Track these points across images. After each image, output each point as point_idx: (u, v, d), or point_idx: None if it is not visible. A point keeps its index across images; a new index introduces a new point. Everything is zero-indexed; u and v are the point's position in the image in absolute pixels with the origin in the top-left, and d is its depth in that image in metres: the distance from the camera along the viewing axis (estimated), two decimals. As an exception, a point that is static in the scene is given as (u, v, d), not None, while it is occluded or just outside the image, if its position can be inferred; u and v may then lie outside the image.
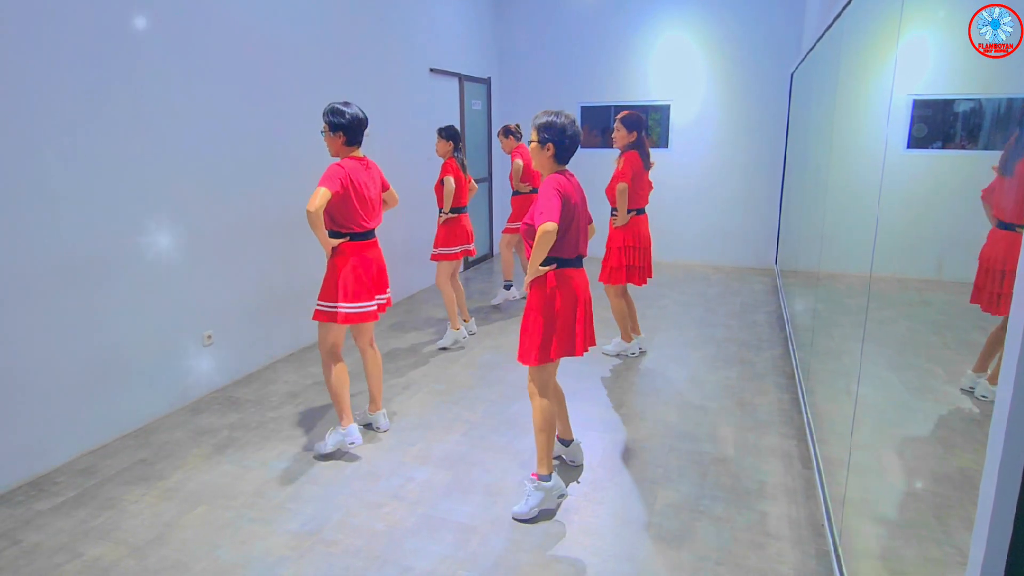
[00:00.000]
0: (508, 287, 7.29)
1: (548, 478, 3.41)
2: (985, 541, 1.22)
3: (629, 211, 5.16)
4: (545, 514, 3.37)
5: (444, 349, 5.80)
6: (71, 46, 3.69)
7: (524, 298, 7.23)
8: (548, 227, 3.12)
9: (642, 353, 5.63)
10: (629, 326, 5.54)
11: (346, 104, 3.75)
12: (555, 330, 3.37)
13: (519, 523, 3.27)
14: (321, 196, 3.52)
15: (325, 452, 3.91)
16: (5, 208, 3.44)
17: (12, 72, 3.43)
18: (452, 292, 5.81)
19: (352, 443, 3.90)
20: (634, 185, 5.08)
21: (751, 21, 8.39)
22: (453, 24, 8.24)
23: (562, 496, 3.52)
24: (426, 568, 2.95)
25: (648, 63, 8.97)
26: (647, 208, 5.34)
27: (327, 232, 3.79)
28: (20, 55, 3.46)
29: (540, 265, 3.29)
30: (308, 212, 3.49)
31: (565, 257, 3.34)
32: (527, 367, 3.47)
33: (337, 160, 3.79)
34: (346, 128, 3.73)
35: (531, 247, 3.35)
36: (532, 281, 3.33)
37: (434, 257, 5.82)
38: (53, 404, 3.75)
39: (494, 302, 7.27)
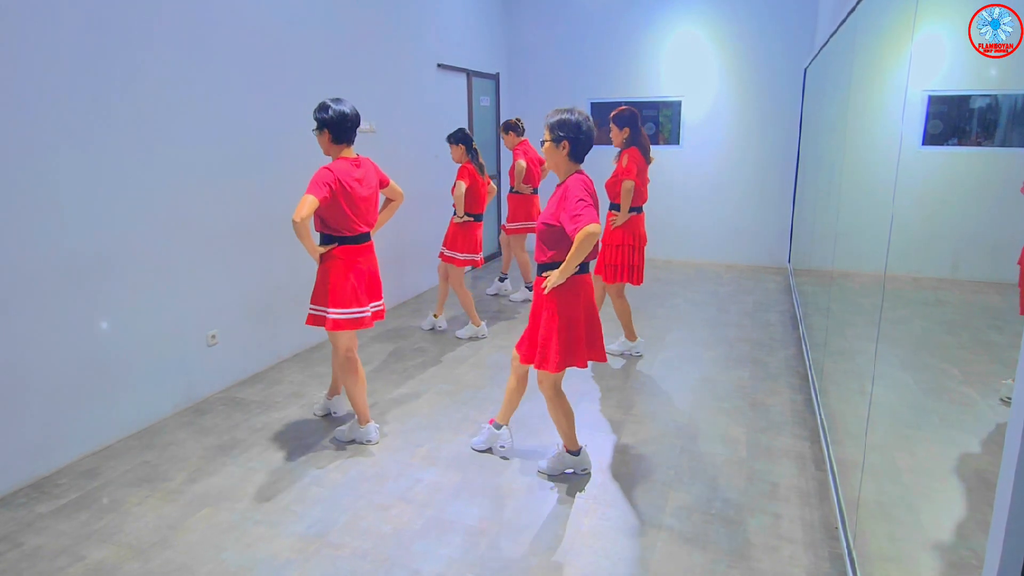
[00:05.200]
0: (503, 280, 7.52)
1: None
2: (1001, 544, 1.20)
3: (631, 209, 5.11)
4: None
5: (460, 338, 5.97)
6: (74, 44, 3.67)
7: (518, 300, 7.24)
8: (594, 228, 3.07)
9: (638, 357, 5.56)
10: (632, 324, 5.48)
11: (335, 100, 3.67)
12: (580, 336, 3.39)
13: (527, 526, 3.24)
14: (308, 205, 3.43)
15: (342, 440, 4.08)
16: (8, 207, 3.42)
17: (15, 70, 3.41)
18: (468, 293, 5.89)
19: (368, 441, 4.04)
20: (638, 180, 5.03)
21: (764, 16, 8.31)
22: (461, 19, 8.20)
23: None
24: (434, 571, 2.91)
25: (659, 59, 8.90)
26: (644, 206, 5.29)
27: (320, 235, 3.78)
28: (23, 54, 3.44)
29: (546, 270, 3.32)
30: (293, 222, 3.40)
31: (585, 262, 3.33)
32: (537, 369, 3.49)
33: (328, 161, 3.73)
34: (330, 124, 3.65)
35: (545, 247, 3.32)
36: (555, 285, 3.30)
37: (442, 256, 5.83)
38: (55, 404, 3.73)
39: (489, 292, 7.53)
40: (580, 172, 3.33)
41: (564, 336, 3.34)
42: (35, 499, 3.48)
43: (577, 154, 3.32)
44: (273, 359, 5.35)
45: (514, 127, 6.85)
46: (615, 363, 5.36)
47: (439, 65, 7.67)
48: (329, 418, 4.39)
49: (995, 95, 2.25)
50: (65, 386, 3.76)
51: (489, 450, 3.91)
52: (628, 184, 4.95)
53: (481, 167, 5.85)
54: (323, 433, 4.18)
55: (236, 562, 2.98)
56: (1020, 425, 1.15)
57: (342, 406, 4.42)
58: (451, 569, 2.93)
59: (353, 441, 4.06)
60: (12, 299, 3.47)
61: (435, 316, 6.19)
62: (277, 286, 5.29)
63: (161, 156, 4.21)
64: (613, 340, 5.59)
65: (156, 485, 3.61)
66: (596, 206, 3.23)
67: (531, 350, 3.45)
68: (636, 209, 5.16)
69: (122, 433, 4.12)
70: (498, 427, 3.86)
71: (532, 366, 3.50)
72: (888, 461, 2.57)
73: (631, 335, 5.49)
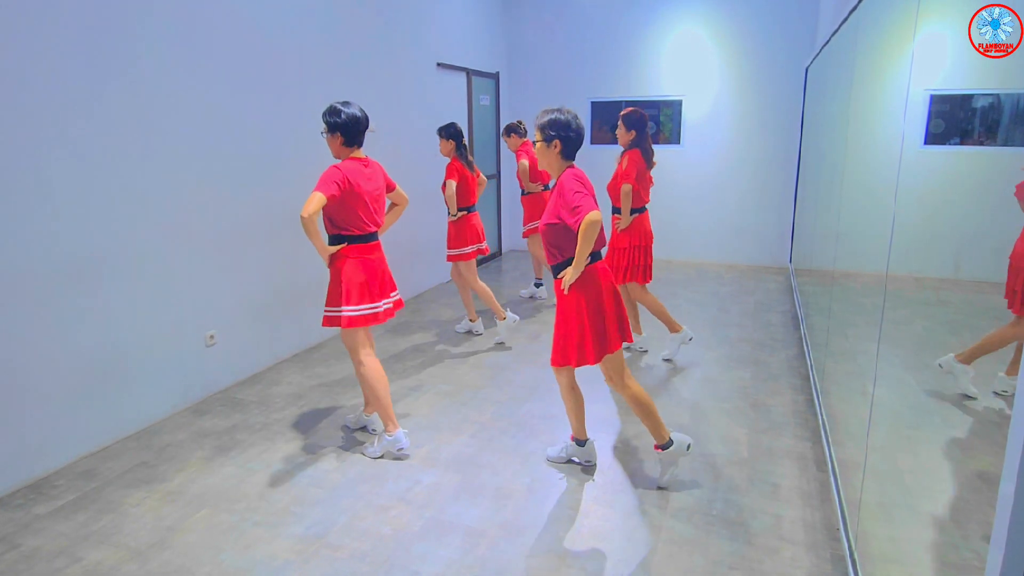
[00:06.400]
0: (539, 285, 7.38)
1: (583, 443, 3.76)
2: (1004, 545, 1.19)
3: (632, 211, 5.10)
4: (567, 475, 3.73)
5: (457, 332, 6.09)
6: (70, 42, 3.66)
7: (525, 296, 7.23)
8: (595, 216, 3.10)
9: (643, 352, 5.57)
10: (671, 318, 5.43)
11: (345, 104, 3.69)
12: (606, 324, 3.38)
13: (527, 527, 3.22)
14: (316, 201, 3.45)
15: (374, 457, 3.90)
16: (6, 208, 3.41)
17: (11, 69, 3.40)
18: (485, 286, 5.81)
19: (400, 449, 3.86)
20: (637, 184, 5.03)
21: (765, 14, 8.30)
22: (461, 18, 8.19)
23: (589, 463, 3.78)
24: (434, 573, 2.90)
25: (660, 57, 8.88)
26: (648, 205, 5.29)
27: (328, 236, 3.76)
28: (18, 51, 3.43)
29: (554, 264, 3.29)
30: (302, 218, 3.41)
31: (596, 250, 3.35)
32: (553, 366, 3.51)
33: (337, 161, 3.73)
34: (343, 128, 3.67)
35: (551, 246, 3.32)
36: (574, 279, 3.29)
37: (449, 258, 5.80)
38: (53, 405, 3.72)
39: (523, 294, 7.41)
40: (572, 167, 3.35)
41: (596, 327, 3.34)
42: (33, 500, 3.47)
43: (569, 152, 3.33)
44: (272, 360, 5.33)
45: (515, 129, 6.83)
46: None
47: (439, 64, 7.65)
48: (365, 431, 4.21)
49: (997, 94, 2.24)
50: (62, 386, 3.75)
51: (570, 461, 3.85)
52: (626, 187, 4.96)
53: (470, 164, 5.82)
54: (322, 434, 4.17)
55: (235, 563, 2.97)
56: (1021, 425, 1.14)
57: (379, 423, 4.15)
58: (450, 570, 2.92)
59: (384, 455, 3.90)
60: (10, 299, 3.46)
61: (471, 320, 6.12)
62: (276, 286, 5.28)
63: (159, 157, 4.20)
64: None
65: (154, 486, 3.60)
66: (592, 195, 3.25)
67: (570, 351, 3.40)
68: (638, 210, 5.16)
69: (120, 434, 4.11)
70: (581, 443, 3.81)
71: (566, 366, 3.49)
72: (890, 462, 2.56)
73: (672, 326, 5.44)
